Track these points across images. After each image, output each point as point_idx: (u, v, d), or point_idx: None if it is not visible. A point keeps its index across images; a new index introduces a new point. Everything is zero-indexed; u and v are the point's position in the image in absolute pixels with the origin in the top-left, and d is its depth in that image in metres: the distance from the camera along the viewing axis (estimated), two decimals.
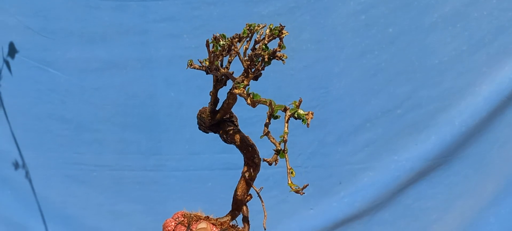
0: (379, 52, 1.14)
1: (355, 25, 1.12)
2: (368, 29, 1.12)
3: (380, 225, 1.24)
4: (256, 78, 0.53)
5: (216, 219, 0.62)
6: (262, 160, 0.57)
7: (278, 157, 0.55)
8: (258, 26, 0.51)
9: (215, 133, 0.61)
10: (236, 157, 1.25)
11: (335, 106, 1.17)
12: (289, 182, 0.51)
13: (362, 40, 1.13)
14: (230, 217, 0.61)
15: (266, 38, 0.51)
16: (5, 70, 1.17)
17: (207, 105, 0.58)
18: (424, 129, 1.17)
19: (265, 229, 0.61)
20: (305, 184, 0.51)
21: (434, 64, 1.15)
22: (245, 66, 0.51)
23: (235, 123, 0.63)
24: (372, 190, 1.21)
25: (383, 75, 1.15)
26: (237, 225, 0.63)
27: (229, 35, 0.58)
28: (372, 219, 1.24)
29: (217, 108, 0.59)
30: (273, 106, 0.52)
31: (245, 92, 0.52)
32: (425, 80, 1.16)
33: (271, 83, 1.16)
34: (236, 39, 0.52)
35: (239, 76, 0.52)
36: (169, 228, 0.63)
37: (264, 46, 0.50)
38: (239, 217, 0.63)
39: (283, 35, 0.51)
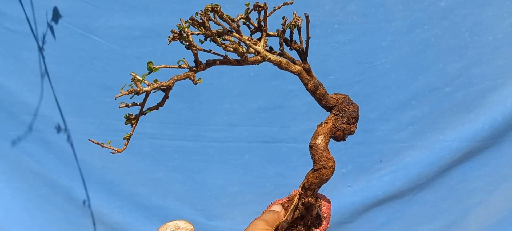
0: (429, 26, 1.08)
1: None
2: (419, 1, 1.07)
3: (421, 205, 1.22)
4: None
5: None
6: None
7: None
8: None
9: None
10: (275, 130, 1.25)
11: (380, 81, 1.13)
12: None
13: (412, 13, 1.08)
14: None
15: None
16: (49, 36, 1.18)
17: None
18: (473, 108, 1.12)
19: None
20: None
21: (488, 40, 1.09)
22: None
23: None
24: (415, 169, 1.18)
25: (432, 51, 1.10)
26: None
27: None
28: (412, 199, 1.21)
29: None
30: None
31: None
32: (478, 58, 1.10)
33: (314, 56, 1.12)
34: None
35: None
36: None
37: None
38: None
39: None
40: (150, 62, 0.53)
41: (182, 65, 0.54)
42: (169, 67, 0.55)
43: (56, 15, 1.16)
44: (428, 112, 1.15)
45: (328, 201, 0.67)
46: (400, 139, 1.17)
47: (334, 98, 0.62)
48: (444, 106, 1.14)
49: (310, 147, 0.61)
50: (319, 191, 0.67)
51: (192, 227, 0.71)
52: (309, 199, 0.62)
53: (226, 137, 1.24)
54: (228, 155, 1.25)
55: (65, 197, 1.32)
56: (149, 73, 0.53)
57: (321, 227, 0.64)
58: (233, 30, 0.55)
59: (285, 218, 0.63)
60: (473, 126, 1.13)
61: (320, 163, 0.59)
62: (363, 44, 1.11)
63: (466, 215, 1.22)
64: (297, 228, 0.64)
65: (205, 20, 0.52)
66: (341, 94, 0.63)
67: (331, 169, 0.59)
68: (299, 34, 0.58)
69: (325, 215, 0.65)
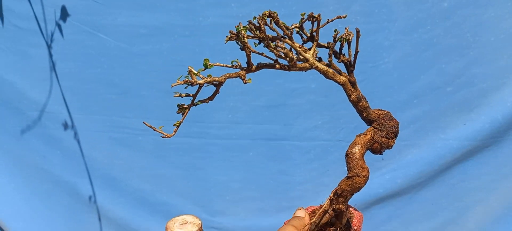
0: (432, 26, 1.10)
1: None
2: (422, 2, 1.08)
3: (422, 203, 1.23)
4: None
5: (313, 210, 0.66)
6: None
7: None
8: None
9: None
10: (278, 128, 1.26)
11: (382, 80, 1.15)
12: None
13: (414, 14, 1.09)
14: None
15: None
16: (56, 33, 1.20)
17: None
18: (474, 108, 1.14)
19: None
20: None
21: (490, 41, 1.10)
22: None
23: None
24: (415, 167, 1.19)
25: (434, 50, 1.11)
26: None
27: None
28: (413, 197, 1.23)
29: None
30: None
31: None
32: (479, 58, 1.11)
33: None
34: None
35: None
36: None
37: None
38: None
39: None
40: (206, 59, 0.56)
41: (235, 65, 0.58)
42: (223, 66, 0.58)
43: (64, 14, 1.18)
44: (430, 111, 1.16)
45: (361, 215, 0.68)
46: (402, 137, 1.17)
47: (376, 113, 0.64)
48: (445, 105, 1.15)
49: (347, 155, 0.62)
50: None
51: (199, 222, 0.72)
52: (340, 206, 0.62)
53: (230, 134, 1.25)
54: (231, 152, 1.27)
55: (69, 192, 1.34)
56: (204, 69, 0.57)
57: None
58: (286, 36, 0.57)
59: (314, 220, 0.64)
60: (474, 125, 1.14)
61: (355, 171, 0.61)
62: (366, 43, 1.12)
63: (465, 213, 1.23)
64: None
65: (261, 24, 0.55)
66: (384, 110, 0.65)
67: (364, 178, 0.60)
68: (349, 48, 0.60)
69: (355, 228, 0.66)
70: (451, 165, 1.18)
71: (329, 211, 0.64)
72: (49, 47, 1.21)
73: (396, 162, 1.21)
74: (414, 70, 1.13)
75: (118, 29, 1.17)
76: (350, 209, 0.68)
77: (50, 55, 1.21)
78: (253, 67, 0.58)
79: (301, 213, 0.66)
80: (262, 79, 1.19)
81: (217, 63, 0.57)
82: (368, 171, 0.61)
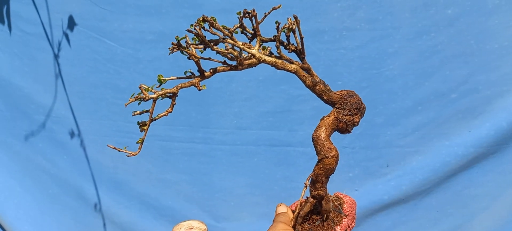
0: (436, 33, 1.10)
1: (413, 5, 1.09)
2: (426, 9, 1.09)
3: (427, 210, 1.23)
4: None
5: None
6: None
7: None
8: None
9: None
10: (283, 134, 1.27)
11: (386, 87, 1.15)
12: None
13: (419, 21, 1.10)
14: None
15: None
16: (64, 39, 1.21)
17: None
18: (479, 115, 1.14)
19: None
20: None
21: (494, 48, 1.10)
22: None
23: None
24: (420, 174, 1.19)
25: (438, 57, 1.12)
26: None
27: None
28: (418, 204, 1.22)
29: None
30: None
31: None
32: (483, 65, 1.11)
33: (321, 62, 1.15)
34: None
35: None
36: None
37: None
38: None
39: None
40: (160, 75, 0.58)
41: (189, 76, 0.59)
42: (176, 78, 0.59)
43: (72, 23, 1.19)
44: (434, 118, 1.16)
45: (353, 201, 0.67)
46: (406, 144, 1.19)
47: (338, 94, 0.64)
48: (450, 112, 1.15)
49: (312, 139, 0.62)
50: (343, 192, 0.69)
51: (205, 227, 0.73)
52: (319, 191, 0.62)
53: (235, 140, 1.26)
54: (236, 158, 1.27)
55: (75, 196, 1.35)
56: (159, 85, 0.58)
57: (342, 224, 0.64)
58: (226, 37, 0.58)
59: (297, 211, 0.64)
60: (479, 132, 1.14)
61: (322, 153, 0.61)
62: (371, 50, 1.13)
63: (471, 220, 1.22)
64: (314, 224, 0.64)
65: (199, 31, 0.56)
66: (346, 90, 0.65)
67: (333, 158, 0.60)
68: (295, 37, 0.61)
69: (347, 213, 0.65)
70: (456, 171, 1.18)
71: (309, 200, 0.64)
72: (56, 54, 1.22)
73: (401, 169, 1.21)
74: (418, 77, 1.14)
75: (124, 35, 1.18)
76: (340, 195, 0.68)
77: (57, 60, 1.23)
78: (206, 73, 0.59)
79: (282, 208, 0.66)
80: (267, 85, 1.20)
81: (171, 77, 0.59)
82: (336, 151, 0.61)
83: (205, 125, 1.25)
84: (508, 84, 1.12)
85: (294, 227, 0.64)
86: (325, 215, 0.65)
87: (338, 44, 1.13)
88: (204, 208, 1.33)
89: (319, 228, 0.64)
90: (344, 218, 0.64)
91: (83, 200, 1.35)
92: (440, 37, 1.10)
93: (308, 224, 0.65)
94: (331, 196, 0.68)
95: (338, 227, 0.64)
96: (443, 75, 1.13)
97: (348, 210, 0.65)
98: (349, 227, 0.65)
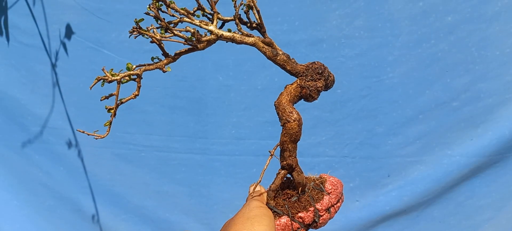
0: (436, 41, 1.09)
1: (412, 12, 1.08)
2: (425, 16, 1.08)
3: (429, 221, 1.20)
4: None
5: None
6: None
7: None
8: None
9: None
10: None
11: (386, 96, 1.14)
12: None
13: (419, 29, 1.09)
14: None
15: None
16: (61, 50, 1.21)
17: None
18: (481, 124, 1.12)
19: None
20: None
21: (495, 55, 1.09)
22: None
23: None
24: (422, 184, 1.17)
25: (439, 65, 1.10)
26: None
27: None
28: (420, 215, 1.20)
29: None
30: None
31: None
32: (485, 73, 1.10)
33: None
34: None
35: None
36: None
37: None
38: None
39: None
40: (129, 63, 0.60)
41: (156, 62, 0.60)
42: (145, 65, 0.60)
43: (69, 32, 1.19)
44: (435, 127, 1.14)
45: (338, 180, 0.65)
46: (408, 153, 1.17)
47: (304, 65, 0.63)
48: (451, 121, 1.13)
49: (274, 106, 0.62)
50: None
51: None
52: (287, 160, 0.61)
53: (233, 150, 1.24)
54: (235, 168, 1.26)
55: (72, 209, 1.33)
56: (129, 74, 0.60)
57: (322, 201, 0.61)
58: (183, 16, 0.59)
59: (270, 186, 0.63)
60: (481, 141, 1.12)
61: (284, 118, 0.60)
62: (370, 58, 1.12)
63: None
64: (290, 199, 0.62)
65: (156, 13, 0.57)
66: (314, 62, 0.64)
67: (295, 122, 0.59)
68: (254, 13, 0.61)
69: (329, 191, 0.62)
70: (459, 182, 1.16)
71: (279, 171, 0.63)
72: (53, 63, 1.21)
73: (402, 179, 1.19)
74: (419, 85, 1.12)
75: (122, 45, 1.18)
76: (324, 175, 0.66)
77: (55, 71, 1.22)
78: (172, 56, 0.60)
79: (252, 188, 0.65)
80: (266, 95, 1.19)
81: (138, 64, 0.60)
82: (298, 114, 0.59)
83: (203, 135, 1.24)
84: (510, 92, 1.10)
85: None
86: (300, 189, 0.63)
87: (337, 53, 1.12)
88: (202, 221, 1.31)
89: (295, 204, 0.61)
90: (326, 196, 0.62)
91: (80, 213, 1.33)
92: (440, 44, 1.09)
93: (283, 199, 0.63)
94: (315, 176, 0.66)
95: (318, 204, 0.61)
96: (444, 83, 1.12)
97: (330, 188, 0.63)
98: (333, 205, 0.62)
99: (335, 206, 0.62)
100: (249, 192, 0.65)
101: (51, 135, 1.28)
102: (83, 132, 0.61)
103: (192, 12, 0.60)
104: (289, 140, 0.60)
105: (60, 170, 1.30)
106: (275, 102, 0.61)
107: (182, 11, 0.58)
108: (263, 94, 1.19)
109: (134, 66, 0.59)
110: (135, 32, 0.59)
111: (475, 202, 1.18)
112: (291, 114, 0.59)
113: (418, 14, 1.08)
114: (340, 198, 0.64)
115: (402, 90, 1.13)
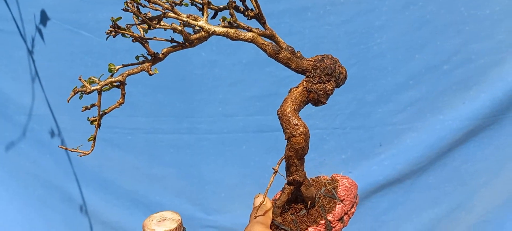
0: (424, 2, 1.06)
1: None
2: None
3: (424, 189, 1.18)
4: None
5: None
6: None
7: None
8: None
9: None
10: (271, 118, 1.22)
11: (375, 63, 1.11)
12: None
13: None
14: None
15: None
16: (37, 34, 1.17)
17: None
18: (473, 86, 1.09)
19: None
20: None
21: (486, 14, 1.06)
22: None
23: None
24: (415, 151, 1.15)
25: (428, 28, 1.07)
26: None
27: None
28: (415, 183, 1.18)
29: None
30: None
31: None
32: (476, 33, 1.07)
33: (307, 40, 1.10)
34: None
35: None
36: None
37: None
38: None
39: None
40: (111, 64, 0.53)
41: (140, 62, 0.53)
42: (129, 65, 0.53)
43: (44, 18, 1.15)
44: (427, 92, 1.12)
45: (352, 182, 0.58)
46: (399, 121, 1.14)
47: (311, 61, 0.55)
48: (443, 85, 1.11)
49: (278, 116, 0.55)
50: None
51: (179, 217, 0.68)
52: (294, 176, 0.55)
53: (222, 128, 1.21)
54: (225, 147, 1.23)
55: (62, 197, 1.31)
56: (111, 75, 0.53)
57: (334, 212, 0.55)
58: (168, 10, 0.51)
59: (278, 203, 0.57)
60: (474, 103, 1.10)
61: (288, 131, 0.53)
62: (357, 24, 1.08)
63: (471, 197, 1.18)
64: (298, 214, 0.56)
65: (133, 8, 0.50)
66: (321, 54, 0.56)
67: (301, 136, 0.52)
68: (251, 0, 0.54)
69: (342, 198, 0.56)
70: (452, 147, 1.14)
71: (285, 188, 0.56)
72: (30, 49, 1.17)
73: (395, 147, 1.17)
74: (408, 50, 1.09)
75: (100, 25, 1.14)
76: (337, 177, 0.59)
77: (32, 57, 1.18)
78: (158, 56, 0.53)
79: (259, 200, 0.58)
80: (252, 68, 1.15)
81: (121, 65, 0.53)
82: (304, 127, 0.53)
83: (190, 114, 1.21)
84: (502, 52, 1.07)
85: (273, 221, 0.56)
86: (309, 203, 0.56)
87: (322, 21, 1.08)
88: (194, 202, 1.28)
89: (305, 218, 0.56)
90: (338, 204, 0.56)
91: (69, 201, 1.31)
92: (429, 6, 1.06)
93: (291, 213, 0.57)
94: (326, 178, 0.60)
95: (330, 215, 0.55)
96: (434, 46, 1.09)
97: (344, 194, 0.56)
98: (347, 213, 0.56)
99: (349, 212, 0.57)
100: (253, 204, 0.58)
101: (35, 122, 1.25)
102: (66, 148, 0.54)
103: (179, 1, 0.52)
104: (295, 155, 0.54)
105: (47, 158, 1.28)
106: (278, 111, 0.55)
107: (166, 6, 0.50)
108: (248, 68, 1.15)
109: (117, 68, 0.52)
110: (114, 33, 0.51)
111: (470, 167, 1.16)
112: (297, 128, 0.52)
113: None
114: (355, 202, 0.58)
115: (391, 56, 1.10)
